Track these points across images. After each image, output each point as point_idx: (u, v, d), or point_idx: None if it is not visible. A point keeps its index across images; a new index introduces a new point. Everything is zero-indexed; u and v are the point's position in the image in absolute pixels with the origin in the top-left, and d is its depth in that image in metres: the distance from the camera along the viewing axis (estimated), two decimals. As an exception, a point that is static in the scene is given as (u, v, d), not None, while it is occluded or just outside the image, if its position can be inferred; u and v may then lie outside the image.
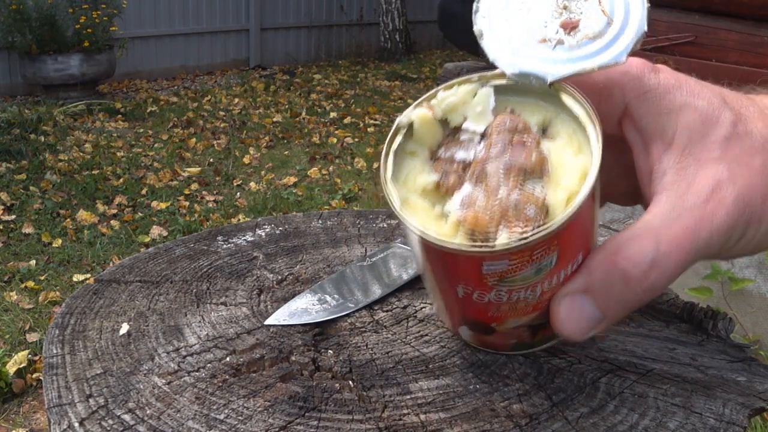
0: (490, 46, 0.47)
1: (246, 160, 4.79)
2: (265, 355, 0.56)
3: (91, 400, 0.51)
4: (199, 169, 4.53)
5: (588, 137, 0.45)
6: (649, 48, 2.34)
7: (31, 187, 4.07)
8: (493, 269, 0.44)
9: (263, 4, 7.97)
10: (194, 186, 4.26)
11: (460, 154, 0.46)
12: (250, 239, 0.80)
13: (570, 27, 0.46)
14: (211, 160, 4.75)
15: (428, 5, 8.65)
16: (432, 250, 0.45)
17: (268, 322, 0.61)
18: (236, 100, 6.34)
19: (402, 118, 0.49)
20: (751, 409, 0.51)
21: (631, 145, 0.49)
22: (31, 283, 3.05)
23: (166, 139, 5.13)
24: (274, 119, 5.78)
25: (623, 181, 0.52)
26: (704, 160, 0.45)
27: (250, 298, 0.66)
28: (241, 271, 0.71)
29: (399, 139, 0.49)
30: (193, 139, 5.14)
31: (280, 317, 0.61)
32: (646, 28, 0.45)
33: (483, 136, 0.46)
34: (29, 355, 2.50)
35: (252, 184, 4.34)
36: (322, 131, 5.51)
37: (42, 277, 3.11)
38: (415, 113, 0.48)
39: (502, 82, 0.48)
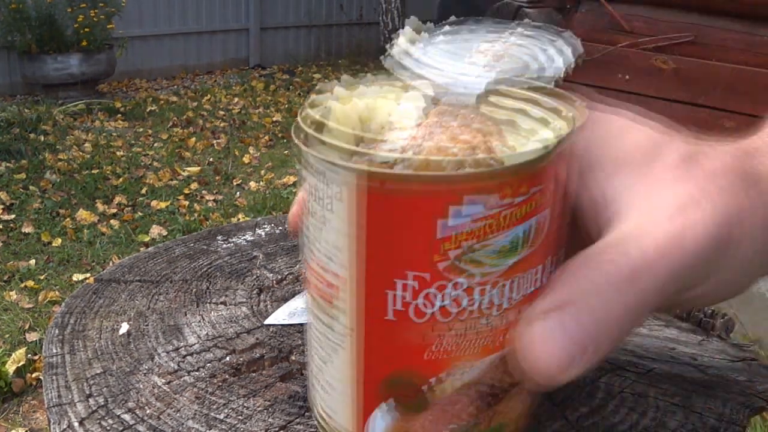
0: (416, 66, 0.38)
1: (246, 159, 4.79)
2: (265, 355, 0.56)
3: (90, 399, 0.51)
4: (199, 168, 4.53)
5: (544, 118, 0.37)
6: (649, 48, 2.34)
7: (31, 187, 4.07)
8: (461, 223, 0.31)
9: (263, 4, 7.96)
10: (194, 185, 4.26)
11: (389, 145, 0.34)
12: (249, 239, 0.79)
13: (494, 57, 0.39)
14: (211, 159, 4.75)
15: (428, 5, 8.64)
16: (375, 205, 0.31)
17: (267, 321, 0.61)
18: (236, 99, 6.34)
19: (317, 96, 0.38)
20: (751, 409, 0.51)
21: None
22: (30, 283, 3.05)
23: (166, 139, 5.13)
24: (274, 118, 5.78)
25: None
26: (668, 180, 0.41)
27: (250, 297, 0.66)
28: (241, 271, 0.71)
29: (311, 113, 0.35)
30: (193, 139, 5.14)
31: (279, 317, 0.61)
32: (573, 58, 0.40)
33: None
34: (28, 355, 2.50)
35: (252, 184, 4.34)
36: (322, 131, 5.50)
37: (42, 277, 3.11)
38: (336, 93, 0.37)
39: (429, 92, 0.37)
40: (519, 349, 0.34)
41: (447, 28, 0.43)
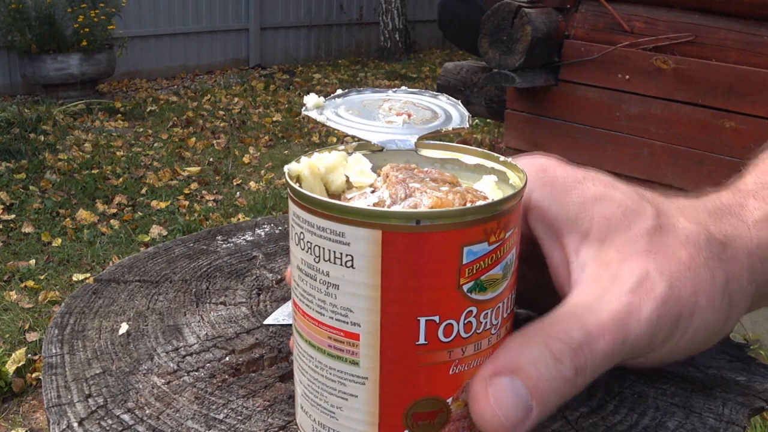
0: (343, 125, 0.49)
1: (246, 159, 4.79)
2: (265, 355, 0.56)
3: (90, 399, 0.51)
4: (199, 168, 4.53)
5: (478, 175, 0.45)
6: (649, 48, 2.34)
7: (31, 187, 4.07)
8: (472, 257, 0.37)
9: (263, 4, 7.96)
10: (194, 185, 4.26)
11: (361, 202, 0.42)
12: (249, 239, 0.79)
13: (407, 115, 0.50)
14: (211, 159, 4.75)
15: (428, 4, 8.64)
16: (394, 247, 0.36)
17: (267, 321, 0.61)
18: (236, 99, 6.34)
19: (290, 167, 0.44)
20: (751, 409, 0.51)
21: (539, 238, 0.46)
22: (30, 283, 3.05)
23: (166, 139, 5.13)
24: (274, 118, 5.78)
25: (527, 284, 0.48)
26: (629, 253, 0.43)
27: (250, 297, 0.66)
28: (241, 271, 0.71)
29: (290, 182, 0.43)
30: (193, 139, 5.13)
31: (279, 317, 0.61)
32: (467, 113, 0.50)
33: (373, 188, 0.43)
34: (28, 355, 2.50)
35: (252, 184, 4.34)
36: (322, 130, 5.51)
37: (41, 277, 3.11)
38: (303, 162, 0.44)
39: (367, 151, 0.47)
40: (476, 400, 0.39)
41: (339, 92, 0.54)
